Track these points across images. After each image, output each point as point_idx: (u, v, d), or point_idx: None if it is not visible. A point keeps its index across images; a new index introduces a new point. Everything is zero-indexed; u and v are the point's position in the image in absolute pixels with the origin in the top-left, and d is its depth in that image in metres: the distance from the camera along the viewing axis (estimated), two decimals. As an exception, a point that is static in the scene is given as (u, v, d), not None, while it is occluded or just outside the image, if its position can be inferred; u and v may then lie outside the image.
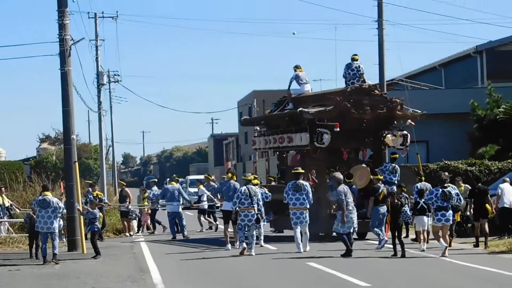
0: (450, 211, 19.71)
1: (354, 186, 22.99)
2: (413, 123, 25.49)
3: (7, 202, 26.24)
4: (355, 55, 25.60)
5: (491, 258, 19.31)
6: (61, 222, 20.88)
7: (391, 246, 19.76)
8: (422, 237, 21.17)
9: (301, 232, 20.93)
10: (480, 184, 22.73)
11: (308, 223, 21.13)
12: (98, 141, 52.47)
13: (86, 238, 22.18)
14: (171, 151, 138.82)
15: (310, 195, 21.15)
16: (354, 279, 15.56)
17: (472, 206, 22.26)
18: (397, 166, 24.88)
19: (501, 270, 16.87)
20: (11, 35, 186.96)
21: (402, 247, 19.46)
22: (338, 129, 23.61)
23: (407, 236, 24.27)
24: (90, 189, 27.94)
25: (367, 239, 23.67)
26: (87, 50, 50.86)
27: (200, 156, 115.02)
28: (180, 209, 27.65)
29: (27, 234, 22.72)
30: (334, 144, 24.12)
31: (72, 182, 22.88)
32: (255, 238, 21.01)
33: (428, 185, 22.50)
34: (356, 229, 23.06)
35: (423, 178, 22.90)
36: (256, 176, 24.88)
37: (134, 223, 29.74)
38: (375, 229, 21.75)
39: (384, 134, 25.42)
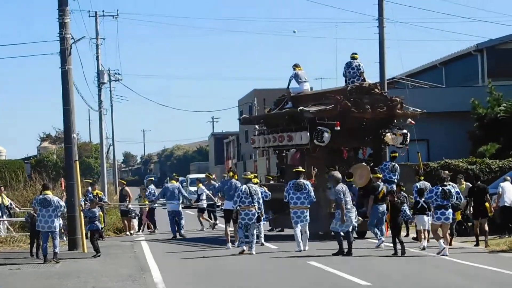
0: (450, 210, 19.71)
1: (353, 186, 23.00)
2: (413, 122, 25.50)
3: (7, 201, 26.24)
4: (355, 53, 25.64)
5: (491, 257, 19.31)
6: (61, 221, 20.86)
7: (391, 245, 19.75)
8: (422, 236, 21.19)
9: (301, 231, 20.95)
10: (479, 182, 22.72)
11: (308, 222, 21.16)
12: (98, 140, 52.45)
13: (86, 237, 22.19)
14: (171, 150, 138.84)
15: (312, 194, 21.15)
16: (355, 278, 15.56)
17: (472, 204, 22.26)
18: (396, 165, 24.88)
19: (501, 269, 16.87)
20: (12, 34, 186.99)
21: (401, 245, 19.46)
22: (338, 128, 23.64)
23: (407, 235, 24.30)
24: (89, 188, 27.90)
25: (367, 238, 23.67)
26: (88, 49, 50.76)
27: (201, 155, 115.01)
28: (180, 208, 27.64)
29: (28, 233, 22.75)
30: (334, 143, 24.14)
31: (73, 181, 22.88)
32: (255, 237, 21.01)
33: (428, 184, 22.49)
34: (356, 228, 23.16)
35: (422, 177, 22.87)
36: (256, 175, 24.88)
37: (135, 222, 29.74)
38: (372, 227, 21.77)
39: (384, 133, 25.43)
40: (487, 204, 22.09)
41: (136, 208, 29.89)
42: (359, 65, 25.46)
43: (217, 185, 29.98)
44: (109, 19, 51.21)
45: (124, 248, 23.40)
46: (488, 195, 22.30)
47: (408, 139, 25.46)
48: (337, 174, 20.81)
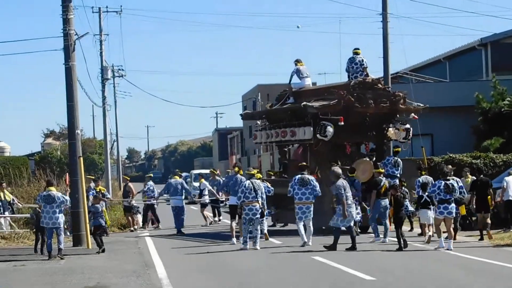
0: (453, 204, 19.69)
1: (356, 180, 23.03)
2: (416, 116, 25.48)
3: (9, 197, 26.24)
4: (357, 49, 25.63)
5: (496, 251, 19.30)
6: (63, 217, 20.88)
7: (395, 239, 19.75)
8: (427, 230, 21.22)
9: (304, 226, 20.98)
10: (482, 176, 22.69)
11: (312, 217, 21.20)
12: (102, 136, 52.43)
13: (91, 233, 22.20)
14: (175, 146, 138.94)
15: (317, 188, 21.17)
16: (359, 273, 15.56)
17: (475, 198, 22.26)
18: (399, 159, 24.87)
19: (506, 263, 16.86)
20: (15, 30, 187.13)
21: (403, 239, 19.51)
22: (342, 123, 23.64)
23: (411, 229, 24.30)
24: (91, 184, 27.82)
25: (370, 233, 23.65)
26: (92, 44, 50.90)
27: (205, 150, 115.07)
28: (183, 204, 27.62)
29: (33, 230, 22.78)
30: (338, 138, 24.15)
31: (77, 177, 22.89)
32: (259, 232, 21.02)
33: (430, 179, 22.49)
34: (361, 222, 23.19)
35: (423, 172, 22.87)
36: (258, 170, 24.88)
37: (139, 217, 29.76)
38: (373, 222, 21.78)
39: (387, 128, 25.42)
40: (489, 197, 22.10)
41: (140, 204, 29.91)
42: (362, 60, 25.47)
43: (221, 180, 30.01)
44: (113, 15, 51.18)
45: (128, 244, 23.42)
46: (491, 188, 22.29)
47: (411, 134, 25.46)
48: (338, 169, 20.82)
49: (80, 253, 21.14)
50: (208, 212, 31.17)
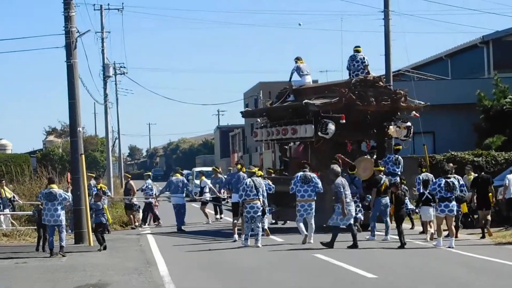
0: (454, 202, 19.68)
1: (357, 178, 23.07)
2: (417, 114, 25.48)
3: (10, 194, 26.26)
4: (358, 46, 25.65)
5: (497, 249, 19.29)
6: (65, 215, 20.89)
7: (397, 237, 19.76)
8: (428, 227, 21.24)
9: (306, 224, 21.02)
10: (483, 173, 22.69)
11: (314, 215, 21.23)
12: (104, 133, 52.54)
13: (92, 231, 22.21)
14: (177, 143, 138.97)
15: (319, 185, 21.18)
16: (361, 271, 15.56)
17: (475, 195, 22.26)
18: (400, 157, 24.89)
19: (507, 261, 16.85)
20: (17, 28, 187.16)
21: (402, 236, 19.56)
22: (344, 121, 23.64)
23: (412, 227, 24.30)
24: (92, 182, 27.75)
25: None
26: (93, 42, 50.81)
27: (206, 148, 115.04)
28: (184, 201, 27.58)
29: (35, 227, 22.78)
30: (339, 136, 24.14)
31: (79, 175, 22.90)
32: (261, 230, 21.04)
33: (431, 176, 22.50)
34: (362, 220, 23.20)
35: (424, 169, 22.89)
36: (258, 168, 24.86)
37: (140, 215, 29.77)
38: (373, 221, 21.78)
39: (388, 126, 25.42)
40: (490, 194, 22.09)
41: (141, 202, 29.89)
42: (364, 58, 25.47)
43: (223, 178, 30.04)
44: (114, 12, 51.26)
45: (130, 242, 23.43)
46: (492, 186, 22.29)
47: (412, 132, 25.48)
48: (337, 167, 20.83)
49: (82, 250, 21.15)
50: (209, 210, 31.17)
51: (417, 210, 21.46)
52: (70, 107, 23.42)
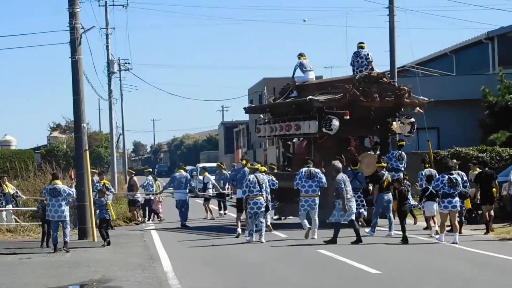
0: (457, 198, 19.66)
1: (360, 173, 23.11)
2: (421, 110, 25.47)
3: (12, 190, 26.27)
4: (362, 43, 25.65)
5: (502, 245, 19.26)
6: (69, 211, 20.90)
7: (401, 233, 19.76)
8: (431, 223, 21.24)
9: (308, 220, 21.06)
10: (487, 168, 22.67)
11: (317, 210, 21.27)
12: (108, 129, 52.50)
13: (97, 227, 22.22)
14: (181, 139, 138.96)
15: (323, 180, 21.19)
16: (365, 266, 15.56)
17: (479, 191, 22.26)
18: (403, 153, 24.91)
19: (511, 256, 16.83)
20: (22, 24, 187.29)
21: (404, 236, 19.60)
22: (348, 117, 23.64)
23: (415, 222, 24.29)
24: (95, 178, 27.67)
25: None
26: (98, 38, 50.98)
27: (211, 144, 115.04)
28: (187, 197, 27.53)
29: (39, 223, 22.80)
30: (342, 132, 24.15)
31: (83, 171, 22.92)
32: (264, 225, 21.05)
33: (434, 171, 22.51)
34: (365, 215, 23.20)
35: (427, 165, 22.89)
36: (261, 164, 24.84)
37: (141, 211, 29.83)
38: (376, 218, 21.78)
39: (391, 122, 25.42)
40: (494, 189, 22.09)
41: (142, 197, 29.87)
42: (368, 54, 25.46)
43: (228, 174, 30.04)
44: (119, 8, 51.19)
45: (133, 237, 23.45)
46: (496, 181, 22.27)
47: (415, 128, 25.50)
48: (338, 163, 20.85)
49: (86, 246, 21.17)
50: (213, 206, 31.17)
51: (420, 206, 21.48)
52: (74, 103, 23.43)
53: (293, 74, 26.69)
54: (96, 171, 28.65)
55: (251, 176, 20.96)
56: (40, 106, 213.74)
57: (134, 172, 31.93)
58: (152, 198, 29.86)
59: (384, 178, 21.74)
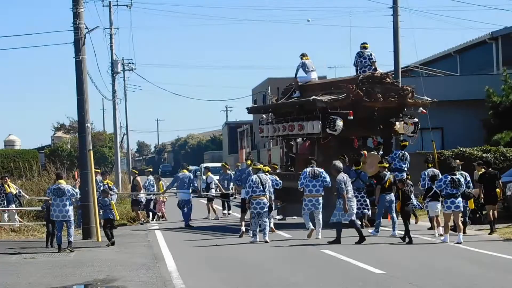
0: (460, 198, 19.65)
1: (363, 173, 23.14)
2: (424, 111, 25.46)
3: (14, 190, 26.30)
4: (365, 43, 25.68)
5: (506, 245, 19.23)
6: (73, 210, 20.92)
7: (405, 233, 19.76)
8: (435, 223, 21.24)
9: (312, 220, 21.08)
10: (490, 169, 22.67)
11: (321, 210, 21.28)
12: (112, 129, 52.56)
13: (101, 226, 22.24)
14: (185, 139, 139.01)
15: (327, 179, 21.18)
16: (369, 267, 15.56)
17: (483, 191, 22.26)
18: (406, 153, 24.90)
19: (515, 257, 16.84)
20: (25, 24, 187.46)
21: (408, 236, 19.59)
22: (351, 117, 23.64)
23: (416, 221, 24.30)
24: (97, 178, 27.62)
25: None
26: (102, 38, 51.03)
27: (215, 144, 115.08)
28: (190, 197, 27.51)
29: (43, 223, 22.81)
30: (345, 132, 24.14)
31: (87, 170, 22.95)
32: (268, 225, 21.06)
33: (437, 171, 22.52)
34: (370, 214, 23.22)
35: (430, 165, 22.90)
36: (264, 164, 24.79)
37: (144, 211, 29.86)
38: (379, 218, 21.78)
39: (394, 122, 25.42)
40: (498, 190, 22.08)
41: (143, 198, 29.86)
42: (371, 54, 25.49)
43: (232, 174, 30.07)
44: (123, 9, 51.31)
45: (138, 237, 23.47)
46: (499, 181, 22.26)
47: (419, 128, 25.51)
48: (339, 163, 20.87)
49: (90, 246, 21.20)
50: (217, 206, 31.17)
51: (424, 205, 21.48)
52: (78, 103, 23.47)
53: (296, 74, 26.74)
54: (99, 171, 28.65)
55: (254, 176, 20.98)
56: (44, 106, 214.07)
57: (137, 172, 31.96)
58: (152, 198, 29.88)
59: (386, 178, 21.74)
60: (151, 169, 32.85)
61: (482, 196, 22.27)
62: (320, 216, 21.19)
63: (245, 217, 22.82)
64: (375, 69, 25.29)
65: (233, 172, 31.42)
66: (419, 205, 23.40)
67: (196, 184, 28.59)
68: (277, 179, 23.24)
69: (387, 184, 21.66)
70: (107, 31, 48.72)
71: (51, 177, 28.77)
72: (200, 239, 22.17)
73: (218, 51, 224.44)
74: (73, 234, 20.49)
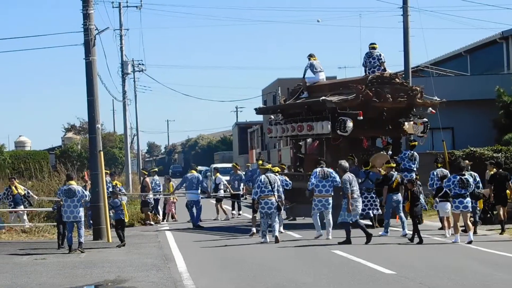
0: (468, 199, 19.60)
1: (371, 173, 23.14)
2: (433, 111, 25.43)
3: (22, 191, 26.36)
4: (374, 43, 25.68)
5: (516, 245, 19.19)
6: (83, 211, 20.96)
7: (415, 233, 19.73)
8: (446, 224, 21.19)
9: (322, 219, 21.07)
10: (501, 170, 22.61)
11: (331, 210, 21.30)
12: (123, 130, 52.65)
13: (111, 227, 22.26)
14: (195, 140, 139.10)
15: (337, 179, 21.16)
16: (379, 267, 15.53)
17: (493, 192, 22.22)
18: (415, 153, 24.87)
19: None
20: (36, 25, 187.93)
21: (418, 235, 19.58)
22: (361, 118, 23.63)
23: (421, 222, 24.27)
24: (107, 179, 27.67)
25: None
26: (112, 39, 50.97)
27: (225, 144, 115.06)
28: (199, 198, 27.49)
29: (54, 223, 22.85)
30: (355, 133, 24.13)
31: (97, 171, 22.97)
32: (277, 225, 21.06)
33: (446, 171, 22.49)
34: (378, 212, 23.20)
35: (439, 165, 22.89)
36: (272, 165, 24.79)
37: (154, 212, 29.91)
38: (387, 218, 21.78)
39: (403, 122, 25.39)
40: (508, 191, 22.05)
41: (151, 198, 29.89)
42: (380, 55, 25.48)
43: (243, 174, 30.08)
44: (133, 10, 51.30)
45: (148, 238, 23.48)
46: (509, 182, 22.22)
47: (428, 128, 25.49)
48: (345, 163, 20.87)
49: (100, 246, 21.22)
50: (227, 206, 31.18)
51: (433, 205, 21.44)
52: (88, 104, 23.50)
53: (304, 75, 26.78)
54: (108, 171, 28.73)
55: (262, 177, 21.00)
56: (55, 107, 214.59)
57: (147, 173, 32.02)
58: (159, 197, 29.91)
59: (394, 178, 21.73)
60: (156, 169, 32.87)
61: (493, 195, 22.24)
62: (330, 217, 21.20)
63: (256, 218, 22.81)
64: (384, 70, 25.29)
65: (243, 173, 31.42)
66: (424, 205, 23.40)
67: (205, 185, 28.60)
68: (287, 179, 23.24)
69: (395, 184, 21.65)
70: (117, 32, 48.80)
71: (62, 178, 28.85)
72: (210, 240, 22.17)
73: (228, 52, 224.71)
74: (84, 234, 20.52)
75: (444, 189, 20.11)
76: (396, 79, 25.18)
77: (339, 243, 19.65)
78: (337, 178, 21.25)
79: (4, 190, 26.71)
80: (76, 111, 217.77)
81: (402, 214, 21.68)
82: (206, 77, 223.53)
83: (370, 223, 23.81)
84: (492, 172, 23.06)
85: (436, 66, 44.89)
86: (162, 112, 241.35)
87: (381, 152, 25.03)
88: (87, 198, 20.92)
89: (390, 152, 25.09)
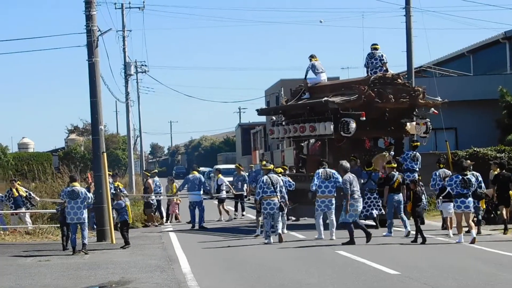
0: (470, 199, 19.61)
1: (374, 174, 23.14)
2: (436, 111, 25.43)
3: (24, 193, 26.36)
4: (376, 44, 25.71)
5: (520, 245, 19.18)
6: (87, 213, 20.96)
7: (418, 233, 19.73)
8: (449, 224, 21.19)
9: (325, 220, 21.06)
10: (504, 171, 22.62)
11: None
12: (126, 131, 52.68)
13: (115, 229, 22.26)
14: (198, 141, 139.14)
15: (340, 179, 21.14)
16: (384, 267, 15.52)
17: (496, 193, 22.23)
18: (418, 153, 24.87)
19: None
20: (36, 25, 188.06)
21: (417, 234, 19.57)
22: (364, 118, 23.64)
23: (423, 223, 24.29)
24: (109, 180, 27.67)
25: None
26: (114, 41, 51.06)
27: (228, 145, 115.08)
28: (201, 198, 27.49)
29: (57, 225, 22.84)
30: (357, 133, 24.14)
31: (101, 173, 22.98)
32: (280, 226, 21.06)
33: (448, 172, 22.50)
34: (381, 212, 23.21)
35: (442, 165, 22.90)
36: (274, 166, 24.79)
37: (158, 213, 29.88)
38: (390, 218, 21.78)
39: (405, 123, 25.40)
40: (511, 192, 22.06)
41: (153, 199, 29.90)
42: (382, 55, 25.51)
43: (246, 175, 30.07)
44: (135, 11, 51.37)
45: (152, 239, 23.49)
46: None
47: (431, 129, 25.49)
48: (346, 163, 20.89)
49: (104, 248, 21.23)
50: (229, 207, 31.19)
51: (437, 206, 21.45)
52: (91, 106, 23.50)
53: (305, 76, 26.81)
54: (110, 173, 28.75)
55: (265, 177, 21.01)
56: (58, 108, 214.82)
57: (149, 174, 32.03)
58: (160, 198, 29.92)
59: (395, 179, 21.73)
60: (156, 171, 32.87)
61: (495, 196, 22.25)
62: (333, 217, 21.21)
63: (260, 219, 22.81)
64: (386, 70, 25.31)
65: (247, 174, 31.42)
66: (425, 205, 23.42)
67: (207, 186, 28.60)
68: (290, 180, 23.25)
69: (396, 184, 21.66)
70: (120, 34, 48.84)
71: (65, 179, 28.84)
72: (214, 241, 22.18)
73: (231, 53, 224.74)
74: (87, 236, 20.53)
75: (447, 190, 20.11)
76: (398, 80, 25.19)
77: (343, 244, 19.67)
78: (340, 179, 21.25)
79: (5, 192, 26.74)
80: (79, 112, 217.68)
81: (403, 214, 21.68)
82: (209, 78, 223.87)
83: (374, 223, 23.83)
84: (495, 173, 23.06)
85: (439, 67, 44.89)
86: (165, 113, 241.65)
87: (383, 153, 25.03)
88: (90, 200, 20.92)
89: (392, 153, 25.10)
